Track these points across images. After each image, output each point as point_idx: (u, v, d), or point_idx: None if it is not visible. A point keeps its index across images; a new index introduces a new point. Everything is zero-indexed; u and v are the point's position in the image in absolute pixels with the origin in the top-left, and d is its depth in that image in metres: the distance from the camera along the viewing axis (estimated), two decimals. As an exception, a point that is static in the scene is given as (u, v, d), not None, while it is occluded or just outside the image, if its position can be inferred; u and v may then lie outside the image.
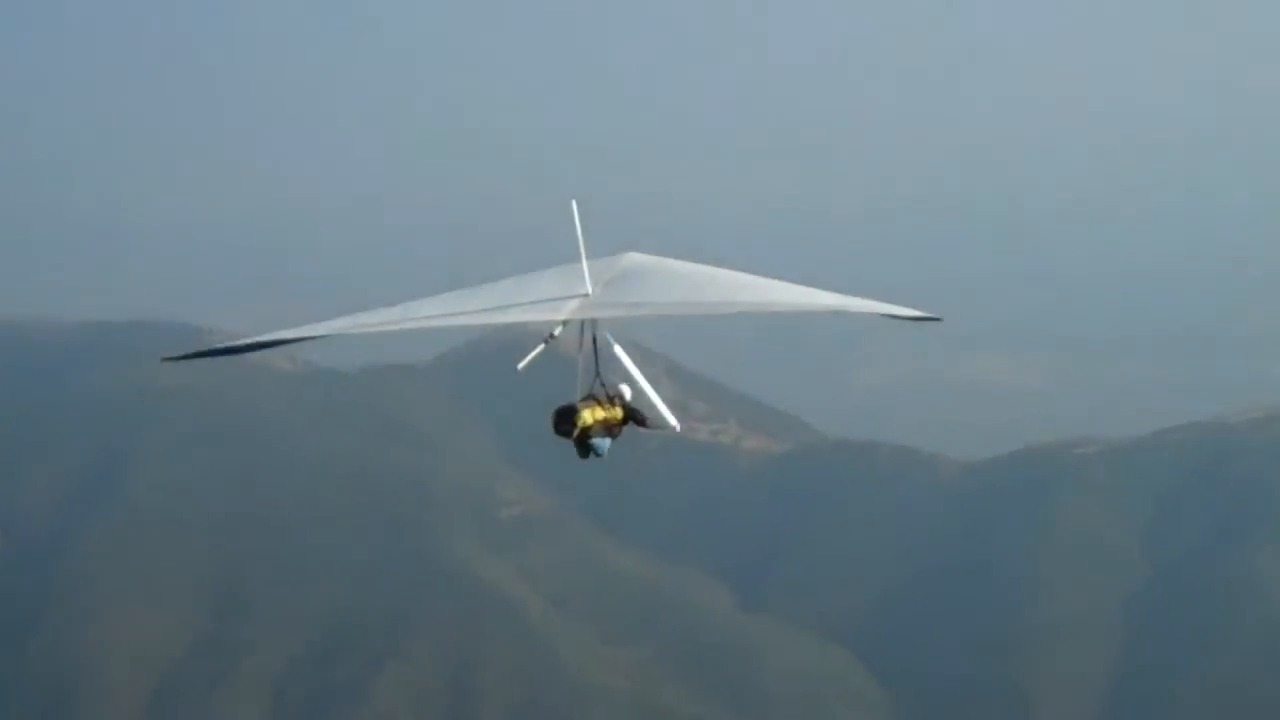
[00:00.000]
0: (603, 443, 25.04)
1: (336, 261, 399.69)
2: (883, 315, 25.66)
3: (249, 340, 25.90)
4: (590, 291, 24.48)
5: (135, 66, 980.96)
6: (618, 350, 25.00)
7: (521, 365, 25.44)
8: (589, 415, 24.86)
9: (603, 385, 25.27)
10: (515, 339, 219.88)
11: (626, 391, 25.16)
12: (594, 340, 25.04)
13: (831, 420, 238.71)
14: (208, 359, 26.57)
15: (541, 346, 25.07)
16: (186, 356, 26.89)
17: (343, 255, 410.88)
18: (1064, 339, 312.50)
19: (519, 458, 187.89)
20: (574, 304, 24.32)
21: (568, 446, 25.11)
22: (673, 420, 25.05)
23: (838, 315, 25.40)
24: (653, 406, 25.02)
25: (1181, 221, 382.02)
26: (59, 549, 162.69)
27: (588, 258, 24.93)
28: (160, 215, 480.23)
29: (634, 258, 25.64)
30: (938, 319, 26.43)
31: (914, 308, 26.03)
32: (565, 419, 24.88)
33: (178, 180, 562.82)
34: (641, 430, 25.25)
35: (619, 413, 25.13)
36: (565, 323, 24.41)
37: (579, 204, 25.20)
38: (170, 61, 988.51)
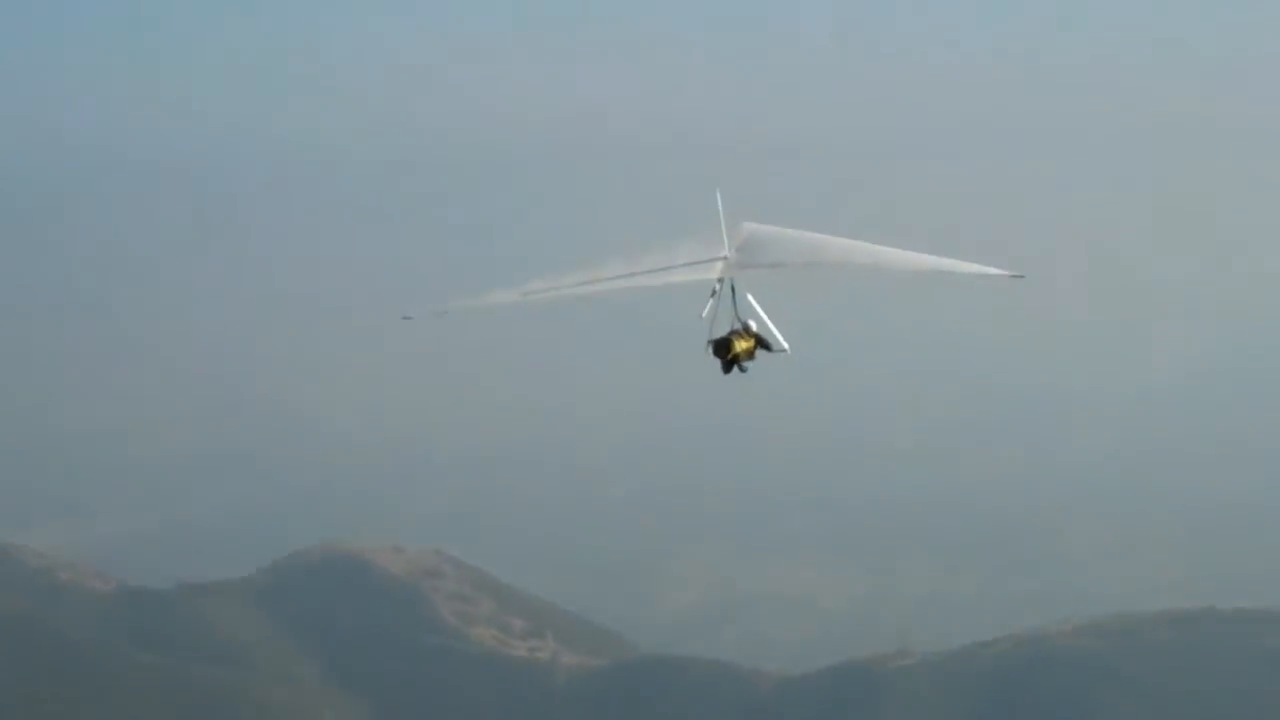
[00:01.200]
0: (749, 363, 33.23)
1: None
2: (976, 275, 31.82)
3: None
4: (729, 254, 32.08)
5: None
6: (750, 298, 32.77)
7: (704, 313, 32.43)
8: (739, 344, 32.90)
9: (740, 322, 33.00)
10: (325, 559, 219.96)
11: (753, 325, 33.04)
12: (733, 290, 32.43)
13: (649, 635, 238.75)
14: None
15: (712, 300, 32.25)
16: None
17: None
18: (880, 551, 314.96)
19: (334, 676, 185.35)
20: (720, 264, 32.00)
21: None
22: (785, 344, 33.12)
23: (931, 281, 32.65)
24: (773, 335, 33.02)
25: (1001, 437, 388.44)
26: None
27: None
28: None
29: (751, 226, 32.92)
30: (1021, 276, 31.85)
31: (992, 266, 31.78)
32: (723, 347, 32.90)
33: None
34: (766, 352, 33.18)
35: (753, 341, 33.09)
36: (719, 280, 31.92)
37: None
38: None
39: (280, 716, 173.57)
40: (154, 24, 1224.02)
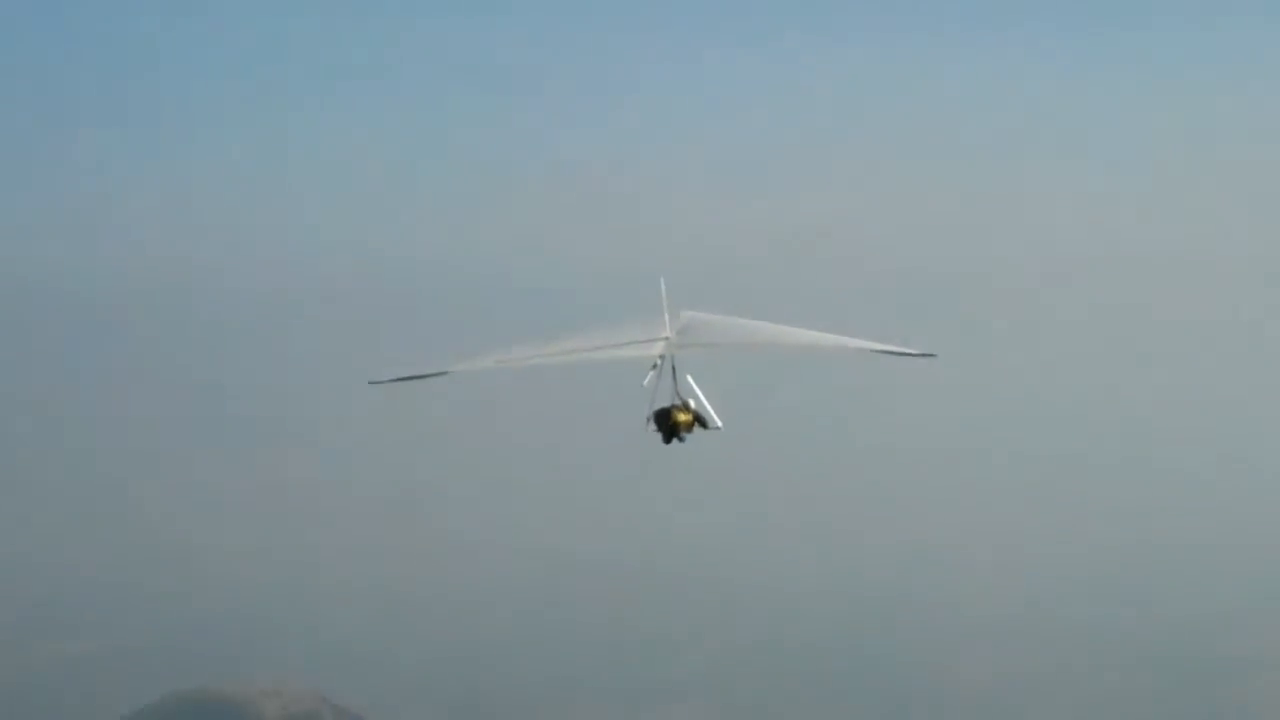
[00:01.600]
0: (687, 434, 36.66)
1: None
2: (884, 352, 36.41)
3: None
4: (669, 335, 36.03)
5: None
6: (689, 378, 36.74)
7: (645, 382, 35.95)
8: (680, 416, 36.56)
9: (679, 398, 36.68)
10: (197, 703, 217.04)
11: (691, 402, 36.70)
12: (673, 369, 36.34)
13: None
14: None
15: (653, 371, 35.85)
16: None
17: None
18: (742, 698, 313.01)
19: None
20: (660, 344, 35.87)
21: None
22: (719, 421, 36.89)
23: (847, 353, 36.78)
24: (709, 414, 36.85)
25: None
26: None
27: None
28: None
29: (690, 313, 36.88)
30: (933, 355, 36.94)
31: (904, 347, 36.72)
32: (664, 417, 36.68)
33: None
34: (701, 429, 36.77)
35: (692, 416, 36.71)
36: (660, 357, 35.67)
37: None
38: None
39: None
40: None
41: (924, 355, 36.81)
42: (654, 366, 35.70)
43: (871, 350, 36.05)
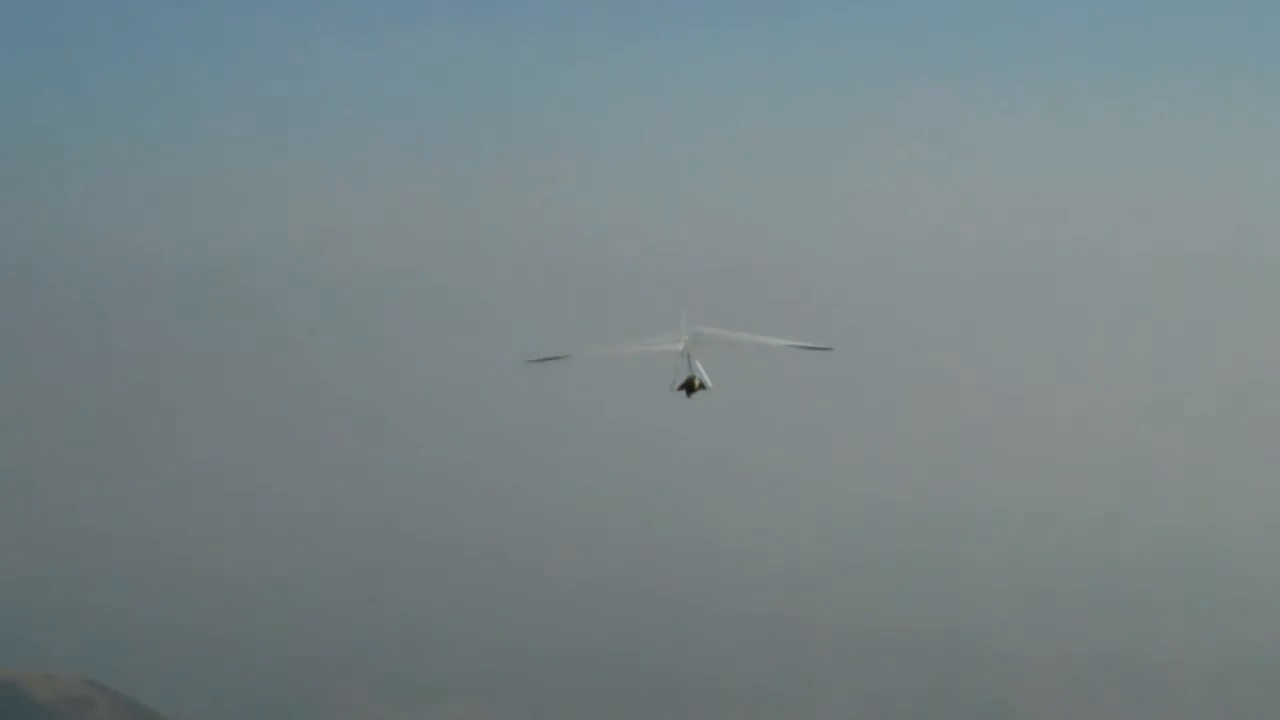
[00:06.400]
0: (702, 390, 57.90)
1: None
2: (790, 346, 57.03)
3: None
4: (686, 339, 57.50)
5: None
6: (697, 363, 57.71)
7: (674, 386, 58.21)
8: (695, 380, 57.77)
9: (690, 370, 57.42)
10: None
11: (700, 373, 57.69)
12: (689, 357, 57.43)
13: None
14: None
15: (680, 358, 57.72)
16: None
17: None
18: (521, 690, 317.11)
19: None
20: (681, 344, 57.30)
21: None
22: (710, 383, 58.21)
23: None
24: (705, 379, 57.96)
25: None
26: None
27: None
28: None
29: (698, 327, 57.50)
30: (829, 349, 57.32)
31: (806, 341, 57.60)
32: (688, 384, 57.81)
33: None
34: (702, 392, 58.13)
35: (697, 381, 57.74)
36: (682, 351, 57.30)
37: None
38: None
39: None
40: None
41: (822, 349, 56.24)
42: (682, 352, 57.13)
43: (781, 345, 56.19)
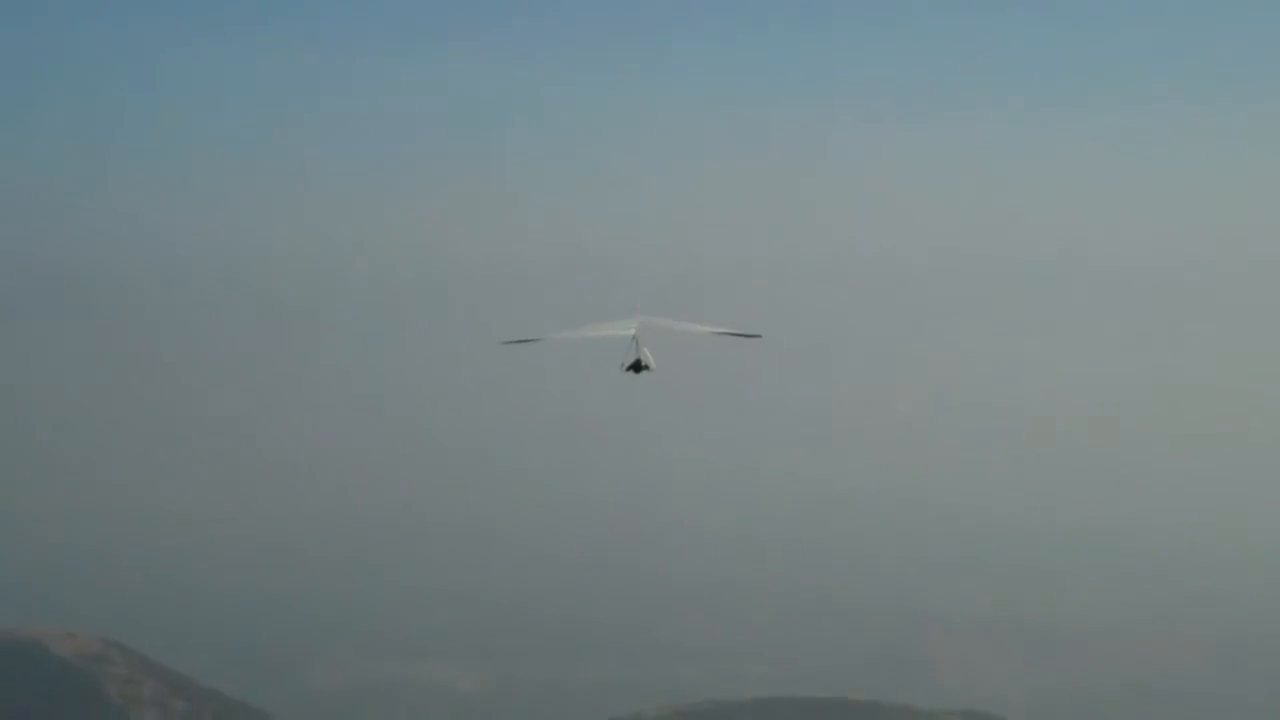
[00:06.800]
0: (646, 370, 59.94)
1: None
2: (722, 333, 59.26)
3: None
4: (636, 325, 58.83)
5: None
6: (644, 348, 59.38)
7: (623, 366, 60.44)
8: (641, 360, 59.72)
9: (639, 354, 59.46)
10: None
11: (646, 356, 59.66)
12: (636, 341, 59.24)
13: (297, 715, 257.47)
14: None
15: (631, 342, 59.67)
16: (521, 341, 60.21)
17: None
18: (494, 647, 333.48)
19: None
20: (632, 329, 58.70)
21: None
22: (654, 366, 60.38)
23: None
24: (650, 361, 59.80)
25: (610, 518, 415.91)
26: None
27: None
28: None
29: (644, 316, 59.62)
30: (759, 335, 59.78)
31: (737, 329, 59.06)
32: (635, 365, 59.78)
33: None
34: (646, 372, 60.04)
35: (643, 362, 59.92)
36: (633, 335, 58.90)
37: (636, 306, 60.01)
38: None
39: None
40: None
41: (751, 336, 59.60)
42: (632, 338, 59.20)
43: (715, 333, 58.73)
